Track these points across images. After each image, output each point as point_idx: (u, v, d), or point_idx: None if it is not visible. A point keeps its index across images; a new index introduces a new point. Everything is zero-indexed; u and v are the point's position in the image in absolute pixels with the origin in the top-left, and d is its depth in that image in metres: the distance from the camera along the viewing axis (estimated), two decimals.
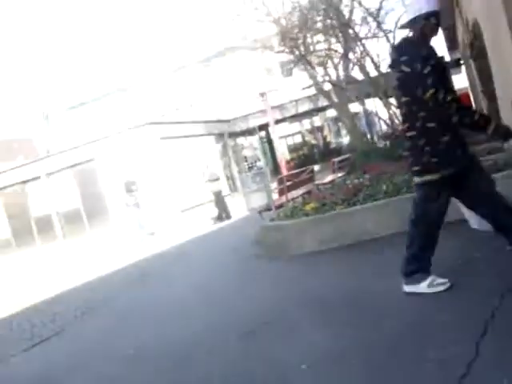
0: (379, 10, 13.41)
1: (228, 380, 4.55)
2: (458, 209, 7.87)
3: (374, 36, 12.78)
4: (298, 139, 57.66)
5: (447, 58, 31.15)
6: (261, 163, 39.53)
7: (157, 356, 5.64)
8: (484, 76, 14.87)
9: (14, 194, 30.24)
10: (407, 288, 5.23)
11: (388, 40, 11.58)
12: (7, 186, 30.22)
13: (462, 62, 28.63)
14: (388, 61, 12.70)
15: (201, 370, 4.88)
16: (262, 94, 29.16)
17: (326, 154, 38.55)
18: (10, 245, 30.53)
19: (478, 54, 15.17)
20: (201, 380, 4.69)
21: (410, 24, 5.04)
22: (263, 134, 42.14)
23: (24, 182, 29.76)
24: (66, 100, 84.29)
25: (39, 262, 21.78)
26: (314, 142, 50.26)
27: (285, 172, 23.65)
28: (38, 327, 8.58)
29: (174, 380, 4.90)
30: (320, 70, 24.31)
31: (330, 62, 24.85)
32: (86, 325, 8.18)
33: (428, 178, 4.97)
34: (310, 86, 31.40)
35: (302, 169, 16.28)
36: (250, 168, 41.88)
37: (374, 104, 30.37)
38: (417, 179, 5.14)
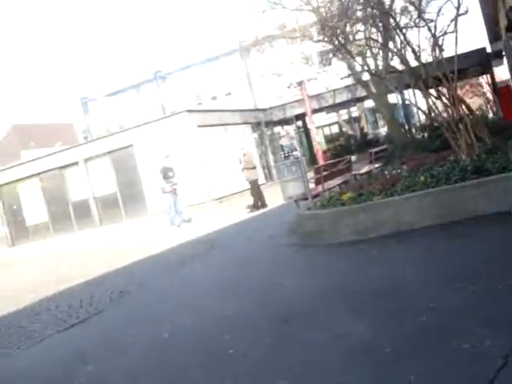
0: None
1: (260, 367, 4.56)
2: (498, 201, 7.81)
3: (415, 25, 12.56)
4: (335, 129, 57.46)
5: (488, 49, 30.73)
6: (297, 153, 39.41)
7: (190, 340, 5.68)
8: None
9: (53, 179, 30.60)
10: None
11: (429, 29, 11.38)
12: (46, 170, 30.58)
13: (503, 53, 28.20)
14: (428, 51, 12.55)
15: (232, 356, 4.90)
16: (300, 84, 29.07)
17: (363, 144, 38.27)
18: (48, 229, 30.95)
19: None
20: (231, 364, 4.72)
21: None
22: (300, 123, 42.00)
23: (62, 168, 30.10)
24: (104, 86, 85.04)
25: (76, 246, 22.04)
26: (351, 132, 49.98)
27: (321, 162, 23.57)
28: (74, 308, 8.69)
29: (204, 364, 4.93)
30: (359, 60, 24.13)
31: (369, 51, 24.65)
32: (122, 307, 8.26)
33: None
34: (348, 76, 31.25)
35: (339, 159, 16.20)
36: (287, 157, 41.81)
37: (413, 95, 30.03)
38: None
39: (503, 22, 21.43)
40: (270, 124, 36.91)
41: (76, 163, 29.37)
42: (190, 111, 27.72)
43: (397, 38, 12.23)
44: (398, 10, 17.07)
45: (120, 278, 10.71)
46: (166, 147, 23.49)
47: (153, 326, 6.65)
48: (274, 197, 19.23)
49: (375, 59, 25.12)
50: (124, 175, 28.06)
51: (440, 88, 11.28)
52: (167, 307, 7.53)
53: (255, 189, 18.90)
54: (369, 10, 13.93)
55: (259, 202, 18.50)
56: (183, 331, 6.11)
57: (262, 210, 17.92)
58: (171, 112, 26.45)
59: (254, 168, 19.57)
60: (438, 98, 11.32)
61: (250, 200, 19.04)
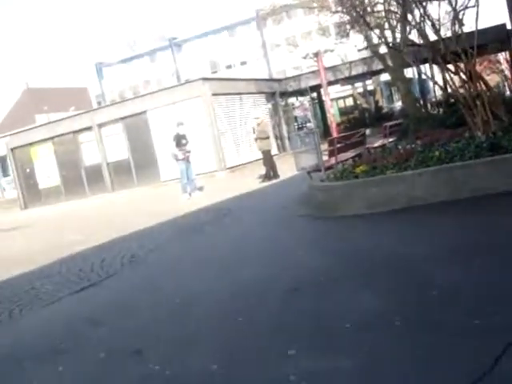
0: None
1: (272, 333, 4.61)
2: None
3: None
4: (350, 102, 57.20)
5: (508, 26, 30.32)
6: (311, 124, 39.26)
7: (201, 306, 5.74)
8: None
9: (66, 144, 30.71)
10: None
11: (450, 3, 11.23)
12: (59, 135, 30.68)
13: None
14: (447, 25, 12.41)
15: (243, 322, 4.96)
16: (316, 55, 28.87)
17: (378, 118, 38.13)
18: (60, 193, 31.15)
19: None
20: (243, 331, 4.78)
21: None
22: (315, 95, 41.78)
23: (76, 132, 30.19)
24: (119, 52, 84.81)
25: (88, 211, 22.18)
26: (365, 105, 49.72)
27: (335, 134, 23.48)
28: (85, 272, 8.77)
29: (215, 328, 4.99)
30: (377, 32, 23.91)
31: (387, 24, 24.41)
32: (132, 272, 8.34)
33: None
34: (365, 48, 30.99)
35: (353, 131, 16.13)
36: (300, 128, 41.70)
37: (430, 69, 29.75)
38: None
39: None
40: (285, 95, 36.76)
41: (89, 128, 29.46)
42: (204, 79, 27.70)
43: (416, 11, 12.08)
44: None
45: (132, 243, 10.78)
46: (179, 115, 23.48)
47: (164, 291, 6.71)
48: (287, 168, 19.22)
49: (393, 32, 24.88)
50: (137, 142, 28.14)
51: (458, 63, 11.17)
52: (179, 273, 7.60)
53: (268, 159, 18.87)
54: None
55: (271, 172, 18.48)
56: (195, 296, 6.16)
57: (274, 181, 17.92)
58: (186, 80, 26.31)
59: (268, 138, 19.52)
60: (456, 73, 11.22)
61: (263, 170, 19.03)
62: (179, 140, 18.06)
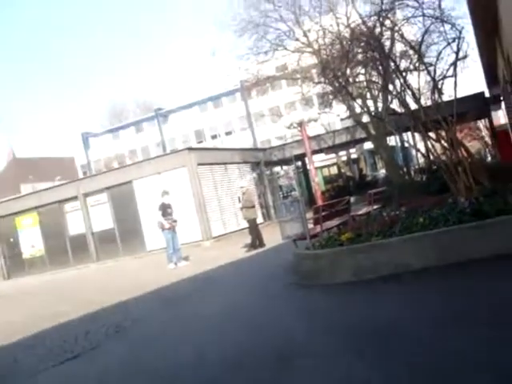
0: (421, 43, 13.38)
1: None
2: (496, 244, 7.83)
3: (415, 69, 12.73)
4: (334, 170, 57.72)
5: (487, 94, 31.07)
6: (296, 192, 39.48)
7: (188, 378, 5.65)
8: None
9: (51, 213, 30.62)
10: None
11: (429, 73, 11.54)
12: (45, 204, 30.63)
13: (501, 98, 28.51)
14: (427, 94, 12.69)
15: None
16: (300, 124, 29.26)
17: (362, 186, 38.40)
18: (45, 263, 30.87)
19: None
20: None
21: None
22: (299, 163, 42.19)
23: (61, 202, 30.15)
24: (104, 123, 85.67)
25: (72, 281, 21.95)
26: (349, 173, 50.20)
27: (320, 202, 23.59)
28: (69, 344, 8.63)
29: None
30: (359, 102, 24.34)
31: (369, 93, 24.89)
32: (116, 344, 8.21)
33: None
34: (348, 117, 31.51)
35: (337, 199, 16.22)
36: (285, 197, 41.87)
37: (412, 137, 30.25)
38: None
39: (501, 69, 21.73)
40: (270, 164, 37.08)
41: (75, 198, 29.44)
42: (190, 149, 27.99)
43: (397, 81, 12.37)
44: (398, 54, 17.31)
45: (117, 315, 10.64)
46: (165, 184, 23.58)
47: (149, 363, 6.60)
48: (273, 237, 19.21)
49: (375, 101, 25.37)
50: (122, 211, 28.10)
51: (439, 131, 11.38)
52: (164, 344, 7.49)
53: (253, 228, 18.89)
54: (369, 53, 14.11)
55: (257, 241, 18.47)
56: (180, 368, 6.06)
57: (259, 250, 17.88)
58: (171, 150, 26.55)
59: (253, 207, 19.57)
60: (437, 140, 11.42)
61: (248, 239, 19.02)
62: (165, 209, 18.08)
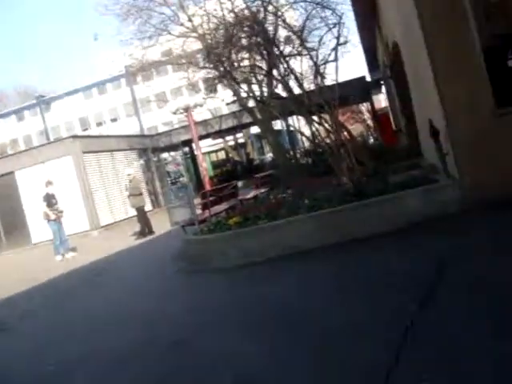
0: (303, 28, 13.59)
1: None
2: (376, 223, 8.10)
3: (298, 54, 12.93)
4: (222, 155, 57.93)
5: (368, 78, 32.04)
6: (184, 178, 39.34)
7: (75, 373, 5.53)
8: (403, 97, 15.37)
9: None
10: None
11: (311, 58, 11.74)
12: None
13: (382, 82, 29.48)
14: (310, 78, 12.93)
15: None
16: (186, 110, 29.12)
17: (250, 170, 38.74)
18: None
19: (398, 77, 15.66)
20: None
21: None
22: (187, 149, 42.01)
23: None
24: None
25: None
26: (237, 158, 50.52)
27: (208, 187, 23.62)
28: None
29: None
30: (244, 87, 24.46)
31: (254, 78, 25.06)
32: (2, 341, 7.93)
33: None
34: (233, 102, 31.63)
35: (225, 184, 16.31)
36: (174, 183, 41.66)
37: (297, 121, 30.82)
38: None
39: (381, 54, 22.44)
40: (157, 150, 36.70)
41: None
42: (74, 137, 27.29)
43: (281, 65, 12.51)
44: (281, 39, 17.51)
45: (1, 310, 10.27)
46: (50, 174, 22.88)
47: (36, 360, 6.41)
48: (162, 223, 19.09)
49: (260, 86, 25.55)
50: (5, 203, 26.99)
51: (322, 114, 11.60)
52: (52, 339, 7.30)
53: (142, 215, 18.71)
54: (253, 38, 14.19)
55: (146, 228, 18.30)
56: (68, 364, 5.92)
57: (149, 237, 17.72)
58: (55, 138, 25.76)
59: (141, 194, 19.35)
60: (321, 124, 11.64)
61: (137, 227, 18.82)
62: (49, 200, 17.52)
